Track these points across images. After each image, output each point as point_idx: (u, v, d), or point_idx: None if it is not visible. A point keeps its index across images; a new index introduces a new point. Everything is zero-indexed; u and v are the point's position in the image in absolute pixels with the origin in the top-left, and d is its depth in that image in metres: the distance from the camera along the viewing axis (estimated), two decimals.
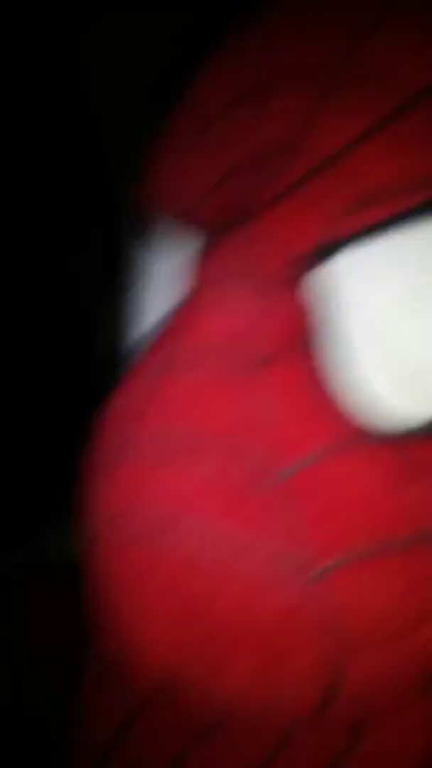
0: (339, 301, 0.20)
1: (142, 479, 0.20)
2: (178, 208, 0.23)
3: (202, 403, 0.20)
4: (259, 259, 0.20)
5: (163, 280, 0.24)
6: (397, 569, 0.19)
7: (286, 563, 0.19)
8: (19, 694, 0.36)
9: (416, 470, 0.19)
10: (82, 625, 0.28)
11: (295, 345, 0.20)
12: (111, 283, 0.26)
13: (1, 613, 0.40)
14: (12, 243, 0.43)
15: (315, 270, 0.20)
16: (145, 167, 0.24)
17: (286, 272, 0.20)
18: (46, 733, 0.32)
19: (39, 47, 0.45)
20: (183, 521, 0.19)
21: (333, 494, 0.19)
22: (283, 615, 0.19)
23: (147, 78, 0.35)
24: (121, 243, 0.26)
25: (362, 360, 0.20)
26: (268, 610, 0.19)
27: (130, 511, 0.20)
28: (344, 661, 0.20)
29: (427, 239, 0.20)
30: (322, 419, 0.20)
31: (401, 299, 0.20)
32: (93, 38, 0.44)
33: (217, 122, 0.22)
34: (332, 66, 0.20)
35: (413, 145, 0.19)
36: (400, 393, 0.20)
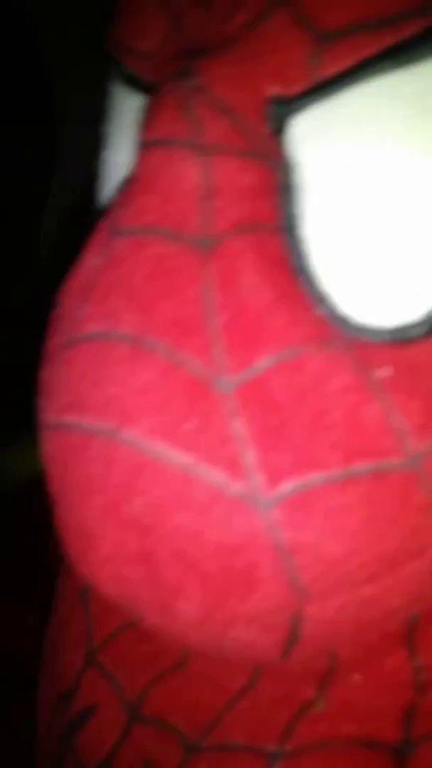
0: (303, 169, 0.17)
1: (88, 372, 0.17)
2: (134, 60, 0.19)
3: (151, 286, 0.17)
4: (204, 120, 0.16)
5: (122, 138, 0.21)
6: (356, 503, 0.16)
7: (234, 488, 0.16)
8: None
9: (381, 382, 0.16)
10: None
11: (260, 222, 0.17)
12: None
13: None
14: None
15: (271, 132, 0.16)
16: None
17: (234, 134, 0.17)
18: None
19: None
20: (127, 429, 0.17)
21: (285, 407, 0.16)
22: (232, 547, 0.17)
23: None
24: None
25: (337, 244, 0.17)
26: (216, 540, 0.17)
27: (78, 408, 0.17)
28: (301, 604, 0.17)
29: (394, 92, 0.16)
30: (292, 316, 0.16)
31: (376, 164, 0.16)
32: None
33: None
34: None
35: None
36: (380, 283, 0.17)
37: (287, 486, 0.16)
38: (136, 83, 0.20)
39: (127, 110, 0.20)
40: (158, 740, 0.22)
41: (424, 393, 0.16)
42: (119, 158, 0.20)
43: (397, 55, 0.16)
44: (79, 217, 0.20)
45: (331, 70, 0.16)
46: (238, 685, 0.21)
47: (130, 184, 0.17)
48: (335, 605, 0.17)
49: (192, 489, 0.16)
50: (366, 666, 0.20)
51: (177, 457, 0.16)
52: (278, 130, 0.17)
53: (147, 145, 0.17)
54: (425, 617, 0.19)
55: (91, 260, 0.17)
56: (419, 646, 0.20)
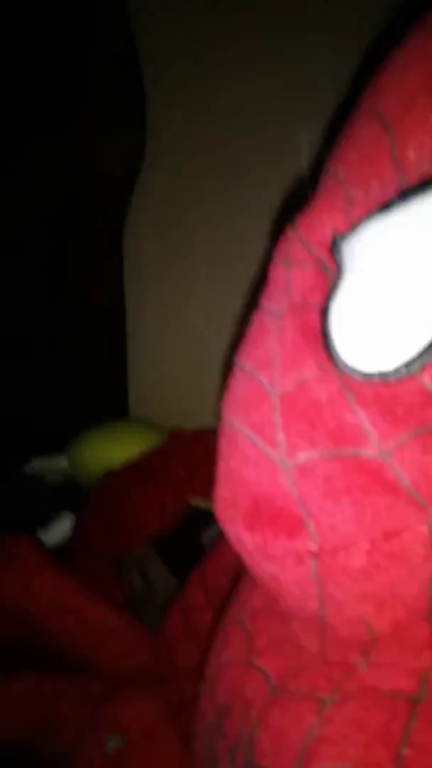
0: (345, 274, 0.27)
1: (232, 388, 0.30)
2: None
3: (256, 339, 0.29)
4: (293, 247, 0.28)
5: None
6: (340, 473, 0.25)
7: (272, 454, 0.26)
8: None
9: (357, 401, 0.25)
10: None
11: (309, 304, 0.27)
12: None
13: None
14: None
15: (332, 254, 0.27)
16: None
17: (309, 257, 0.28)
18: None
19: None
20: (233, 421, 0.28)
21: (300, 408, 0.26)
22: (272, 495, 0.26)
23: None
24: None
25: (349, 317, 0.26)
26: (265, 489, 0.26)
27: (229, 410, 0.30)
28: (318, 554, 0.25)
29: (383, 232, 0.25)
30: (311, 356, 0.26)
31: (382, 275, 0.25)
32: None
33: None
34: None
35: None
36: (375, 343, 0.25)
37: (299, 456, 0.25)
38: None
39: None
40: (257, 685, 0.30)
41: (387, 413, 0.24)
42: None
43: (383, 209, 0.25)
44: None
45: (356, 220, 0.26)
46: (312, 650, 0.29)
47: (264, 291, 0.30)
48: (341, 555, 0.25)
49: (254, 454, 0.27)
50: (397, 636, 0.26)
51: (249, 434, 0.27)
52: (334, 254, 0.27)
53: (274, 263, 0.30)
54: None
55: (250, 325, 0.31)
56: None
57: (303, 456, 0.25)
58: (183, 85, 0.74)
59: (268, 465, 0.26)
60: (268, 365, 0.27)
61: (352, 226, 0.26)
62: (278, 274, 0.29)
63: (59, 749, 0.37)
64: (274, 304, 0.29)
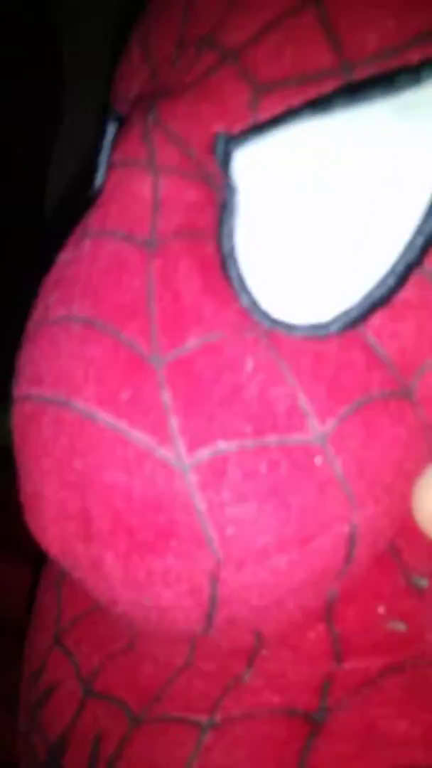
0: (240, 192, 0.20)
1: (48, 350, 0.20)
2: (121, 105, 0.24)
3: (104, 278, 0.20)
4: (158, 147, 0.20)
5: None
6: (264, 472, 0.18)
7: (160, 451, 0.19)
8: None
9: (291, 368, 0.19)
10: None
11: (199, 230, 0.20)
12: None
13: None
14: None
15: (216, 162, 0.20)
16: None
17: (183, 160, 0.20)
18: None
19: None
20: (75, 398, 0.19)
21: (206, 383, 0.19)
22: (155, 505, 0.19)
23: None
24: None
25: (263, 251, 0.20)
26: (142, 497, 0.19)
27: (38, 381, 0.20)
28: (218, 567, 0.19)
29: (318, 135, 0.19)
30: (218, 306, 0.19)
31: (297, 194, 0.20)
32: None
33: (153, 22, 0.23)
34: None
35: (300, 44, 0.19)
36: (294, 290, 0.20)
37: (204, 451, 0.19)
38: (121, 120, 0.24)
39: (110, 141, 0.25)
40: (108, 714, 0.24)
41: (328, 382, 0.19)
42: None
43: (317, 106, 0.19)
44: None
45: (266, 115, 0.20)
46: (178, 663, 0.23)
47: (99, 195, 0.21)
48: (249, 572, 0.19)
49: (125, 450, 0.19)
50: (289, 641, 0.22)
51: (114, 422, 0.19)
52: (222, 160, 0.20)
53: (113, 165, 0.21)
54: (343, 593, 0.21)
55: (64, 256, 0.21)
56: (337, 619, 0.21)
57: (209, 451, 0.18)
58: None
59: (150, 464, 0.19)
60: (136, 319, 0.19)
61: (256, 124, 0.20)
62: (129, 180, 0.21)
63: None
64: (130, 227, 0.20)
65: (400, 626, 0.21)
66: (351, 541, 0.20)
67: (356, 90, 0.18)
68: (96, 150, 0.26)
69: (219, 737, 0.21)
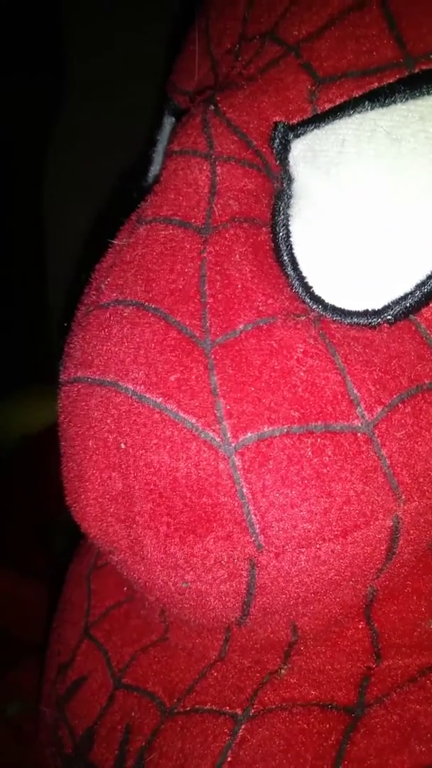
0: (297, 182, 0.20)
1: (99, 333, 0.20)
2: (179, 97, 0.24)
3: (157, 263, 0.20)
4: (217, 136, 0.20)
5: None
6: (309, 457, 0.18)
7: (206, 434, 0.19)
8: None
9: (341, 354, 0.19)
10: None
11: (253, 217, 0.20)
12: None
13: None
14: None
15: (274, 151, 0.20)
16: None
17: (241, 149, 0.20)
18: None
19: None
20: (123, 380, 0.20)
21: (254, 366, 0.19)
22: (198, 486, 0.19)
23: None
24: None
25: (318, 239, 0.20)
26: (185, 479, 0.19)
27: (87, 364, 0.21)
28: (257, 553, 0.19)
29: (372, 125, 0.20)
30: (270, 291, 0.19)
31: (353, 183, 0.20)
32: None
33: (214, 17, 0.23)
34: None
35: (363, 39, 0.19)
36: (350, 277, 0.20)
37: (250, 435, 0.19)
38: (178, 113, 0.24)
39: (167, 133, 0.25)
40: (139, 706, 0.23)
41: (378, 370, 0.19)
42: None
43: (376, 97, 0.20)
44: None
45: (326, 105, 0.20)
46: (212, 656, 0.23)
47: (155, 184, 0.21)
48: (288, 559, 0.19)
49: (171, 432, 0.19)
50: (328, 637, 0.21)
51: (162, 404, 0.19)
52: (280, 150, 0.21)
53: (171, 154, 0.21)
54: (382, 591, 0.21)
55: (118, 242, 0.21)
56: (376, 617, 0.21)
57: (255, 434, 0.18)
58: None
59: (196, 447, 0.19)
60: (188, 303, 0.19)
61: (315, 114, 0.20)
62: (187, 168, 0.21)
63: None
64: (185, 213, 0.20)
65: None
66: (394, 534, 0.20)
67: (418, 83, 0.19)
68: (151, 142, 0.26)
69: (255, 729, 0.21)
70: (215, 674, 0.23)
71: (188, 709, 0.22)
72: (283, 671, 0.22)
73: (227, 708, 0.22)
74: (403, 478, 0.19)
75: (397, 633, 0.21)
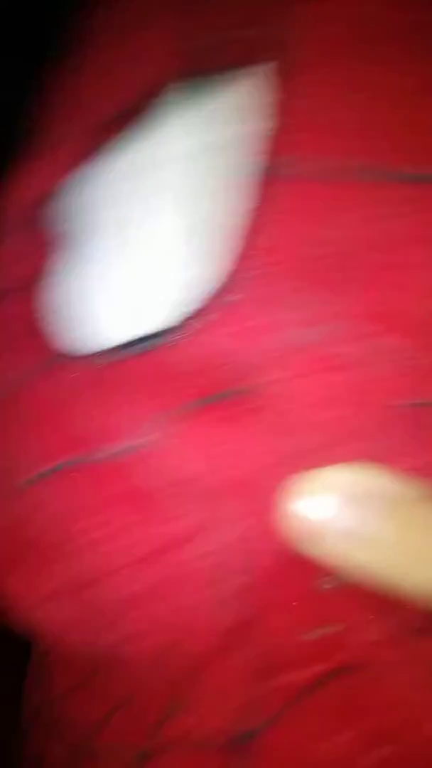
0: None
1: None
2: None
3: None
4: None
5: None
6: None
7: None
8: None
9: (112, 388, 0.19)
10: None
11: (31, 281, 0.21)
12: None
13: None
14: None
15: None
16: None
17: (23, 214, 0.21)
18: None
19: None
20: None
21: (38, 410, 0.19)
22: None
23: None
24: None
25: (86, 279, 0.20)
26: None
27: None
28: None
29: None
30: (29, 342, 0.20)
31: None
32: None
33: None
34: None
35: None
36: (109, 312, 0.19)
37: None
38: None
39: None
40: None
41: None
42: None
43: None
44: None
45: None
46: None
47: None
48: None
49: None
50: (211, 666, 0.20)
51: None
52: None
53: None
54: (255, 609, 0.20)
55: None
56: (255, 636, 0.20)
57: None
58: None
59: None
60: None
61: (59, 183, 0.20)
62: None
63: None
64: None
65: (327, 630, 0.20)
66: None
67: None
68: None
69: None
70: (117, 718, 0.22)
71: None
72: (174, 708, 0.20)
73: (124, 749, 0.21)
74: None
75: (281, 648, 0.20)
